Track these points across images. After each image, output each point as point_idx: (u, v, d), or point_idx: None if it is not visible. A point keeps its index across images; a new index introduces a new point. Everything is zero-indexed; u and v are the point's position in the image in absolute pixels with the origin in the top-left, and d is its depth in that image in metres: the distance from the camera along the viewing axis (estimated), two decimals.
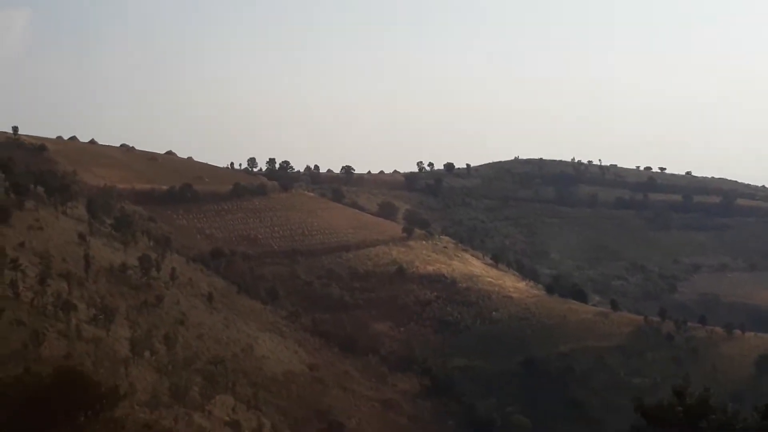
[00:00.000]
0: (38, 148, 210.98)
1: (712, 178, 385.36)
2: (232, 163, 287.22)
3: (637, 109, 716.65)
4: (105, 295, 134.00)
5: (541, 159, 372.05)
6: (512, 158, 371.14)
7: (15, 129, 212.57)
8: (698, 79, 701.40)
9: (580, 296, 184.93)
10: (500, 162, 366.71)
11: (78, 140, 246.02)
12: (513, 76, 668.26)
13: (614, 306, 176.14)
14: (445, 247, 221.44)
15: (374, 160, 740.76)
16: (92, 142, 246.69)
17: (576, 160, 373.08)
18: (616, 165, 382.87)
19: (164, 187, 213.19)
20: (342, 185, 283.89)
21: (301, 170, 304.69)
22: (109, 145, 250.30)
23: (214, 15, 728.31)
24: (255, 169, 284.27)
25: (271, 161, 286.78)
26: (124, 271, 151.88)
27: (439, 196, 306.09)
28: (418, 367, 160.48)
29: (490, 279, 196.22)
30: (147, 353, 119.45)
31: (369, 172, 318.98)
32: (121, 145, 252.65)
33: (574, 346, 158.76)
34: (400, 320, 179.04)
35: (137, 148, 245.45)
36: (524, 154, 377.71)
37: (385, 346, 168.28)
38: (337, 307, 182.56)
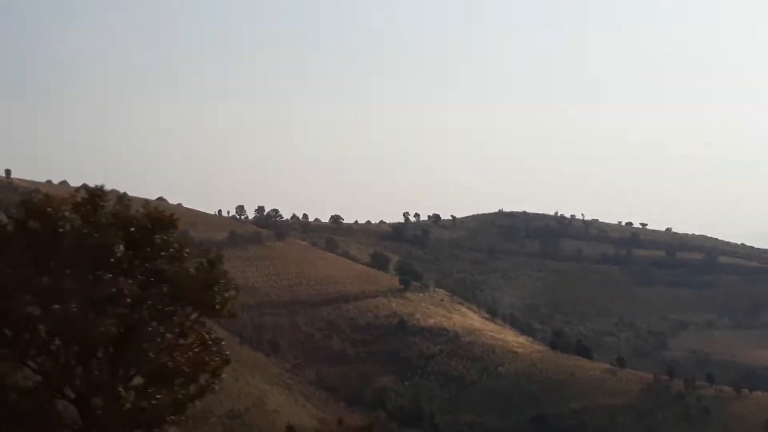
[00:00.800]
0: (32, 192, 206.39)
1: (693, 234, 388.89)
2: (220, 210, 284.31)
3: (619, 164, 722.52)
4: None
5: (524, 212, 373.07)
6: (496, 210, 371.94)
7: (8, 172, 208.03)
8: (678, 135, 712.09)
9: (585, 352, 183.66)
10: (484, 214, 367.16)
11: (68, 184, 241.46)
12: (498, 128, 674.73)
13: (621, 363, 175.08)
14: (441, 300, 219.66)
15: (358, 209, 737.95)
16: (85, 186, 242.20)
17: (559, 214, 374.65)
18: (597, 220, 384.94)
19: None
20: (332, 234, 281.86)
21: (289, 218, 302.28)
22: None
23: (199, 60, 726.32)
24: (243, 217, 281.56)
25: (260, 209, 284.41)
26: None
27: (427, 248, 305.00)
28: (426, 423, 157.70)
29: (492, 333, 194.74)
30: None
31: (356, 222, 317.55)
32: (111, 190, 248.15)
33: (586, 404, 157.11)
34: (404, 374, 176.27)
35: (129, 193, 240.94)
36: (507, 207, 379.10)
37: (391, 401, 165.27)
38: (340, 360, 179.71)
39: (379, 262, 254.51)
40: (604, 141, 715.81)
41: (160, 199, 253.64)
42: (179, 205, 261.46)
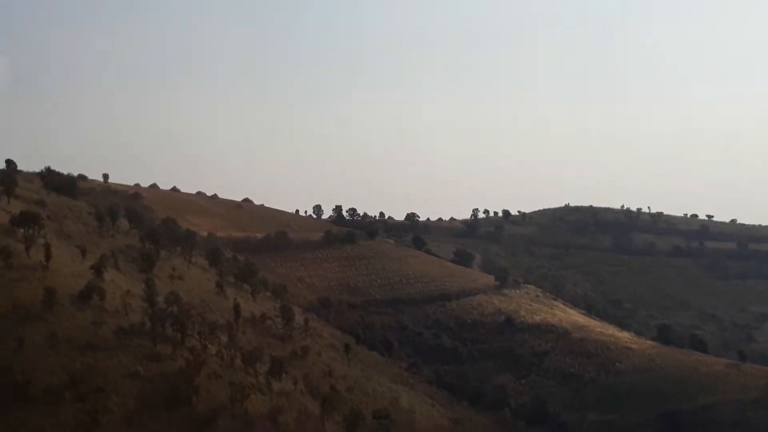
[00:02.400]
0: (133, 195, 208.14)
1: (760, 225, 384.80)
2: (297, 210, 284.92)
3: (684, 155, 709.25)
4: (261, 345, 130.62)
5: (591, 206, 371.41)
6: (563, 205, 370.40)
7: (105, 177, 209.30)
8: (741, 124, 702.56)
9: (701, 347, 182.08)
10: (551, 209, 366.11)
11: (158, 187, 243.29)
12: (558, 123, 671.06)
13: (743, 357, 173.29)
14: (537, 296, 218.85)
15: (423, 207, 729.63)
16: (174, 189, 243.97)
17: (625, 208, 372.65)
18: (662, 213, 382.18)
19: (259, 235, 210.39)
20: (409, 232, 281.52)
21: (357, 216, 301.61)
22: (188, 192, 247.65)
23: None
24: (321, 216, 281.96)
25: (338, 208, 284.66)
26: (263, 321, 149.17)
27: (502, 244, 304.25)
28: (551, 421, 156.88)
29: (599, 329, 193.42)
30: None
31: (428, 219, 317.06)
32: (198, 193, 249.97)
33: (714, 399, 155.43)
34: (519, 372, 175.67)
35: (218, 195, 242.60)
36: (573, 202, 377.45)
37: (513, 399, 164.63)
38: (452, 358, 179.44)
39: (463, 259, 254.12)
40: (667, 132, 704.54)
41: (246, 200, 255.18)
42: (261, 206, 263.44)
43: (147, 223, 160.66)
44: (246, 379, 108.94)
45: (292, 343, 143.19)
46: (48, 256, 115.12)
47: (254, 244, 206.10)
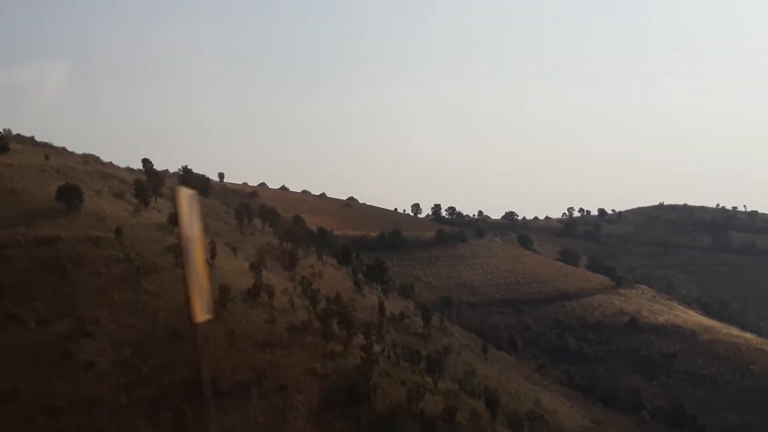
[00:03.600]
0: (250, 194, 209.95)
1: None
2: (396, 208, 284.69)
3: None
4: (409, 344, 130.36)
5: (685, 204, 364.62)
6: (657, 204, 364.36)
7: (221, 176, 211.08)
8: None
9: None
10: (646, 207, 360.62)
11: (267, 186, 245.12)
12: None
13: None
14: (654, 296, 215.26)
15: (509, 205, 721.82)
16: (283, 188, 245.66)
17: (720, 206, 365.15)
18: (757, 211, 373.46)
19: (373, 234, 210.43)
20: (508, 231, 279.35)
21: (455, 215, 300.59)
22: (294, 191, 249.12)
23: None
24: (420, 215, 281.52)
25: (437, 207, 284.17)
26: (402, 319, 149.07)
27: (600, 243, 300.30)
28: (689, 424, 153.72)
29: (725, 330, 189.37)
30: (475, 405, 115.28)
31: (524, 218, 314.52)
32: (303, 191, 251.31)
33: None
34: (649, 373, 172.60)
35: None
36: (667, 200, 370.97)
37: (648, 401, 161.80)
38: (579, 359, 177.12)
39: (569, 258, 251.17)
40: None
41: (351, 198, 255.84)
42: (365, 204, 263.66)
43: (281, 222, 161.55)
44: (412, 378, 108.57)
45: (432, 342, 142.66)
46: (213, 253, 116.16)
47: (370, 242, 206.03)
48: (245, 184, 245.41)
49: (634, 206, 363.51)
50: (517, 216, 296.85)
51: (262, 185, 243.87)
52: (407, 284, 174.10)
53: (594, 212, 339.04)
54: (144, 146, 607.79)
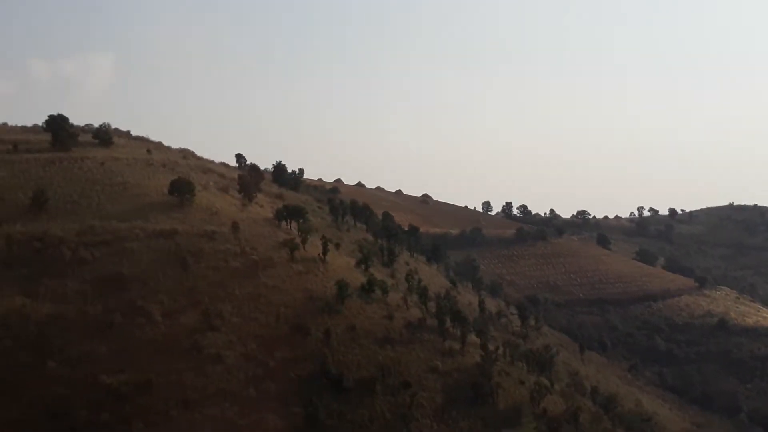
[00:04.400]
0: (331, 190, 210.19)
1: None
2: (466, 206, 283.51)
3: None
4: (514, 344, 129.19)
5: (756, 205, 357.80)
6: (727, 204, 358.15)
7: (301, 171, 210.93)
8: None
9: None
10: (716, 208, 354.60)
11: (342, 182, 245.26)
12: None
13: None
14: (737, 298, 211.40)
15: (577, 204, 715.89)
16: (359, 184, 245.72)
17: None
18: None
19: (454, 231, 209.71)
20: (581, 230, 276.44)
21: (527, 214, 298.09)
22: (369, 188, 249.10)
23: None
24: (490, 213, 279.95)
25: (508, 205, 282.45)
26: (499, 317, 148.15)
27: (673, 243, 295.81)
28: None
29: None
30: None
31: (594, 216, 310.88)
32: (377, 188, 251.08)
33: None
34: (742, 376, 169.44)
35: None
36: (737, 200, 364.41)
37: (745, 404, 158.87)
38: (669, 361, 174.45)
39: (646, 258, 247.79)
40: None
41: (426, 196, 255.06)
42: (438, 201, 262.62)
43: (374, 218, 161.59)
44: (529, 377, 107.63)
45: (530, 341, 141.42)
46: (325, 249, 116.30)
47: (450, 239, 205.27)
48: (320, 180, 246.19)
49: (704, 206, 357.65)
50: (589, 214, 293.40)
51: (338, 181, 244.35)
52: (497, 282, 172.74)
53: (662, 212, 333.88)
54: (230, 140, 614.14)
